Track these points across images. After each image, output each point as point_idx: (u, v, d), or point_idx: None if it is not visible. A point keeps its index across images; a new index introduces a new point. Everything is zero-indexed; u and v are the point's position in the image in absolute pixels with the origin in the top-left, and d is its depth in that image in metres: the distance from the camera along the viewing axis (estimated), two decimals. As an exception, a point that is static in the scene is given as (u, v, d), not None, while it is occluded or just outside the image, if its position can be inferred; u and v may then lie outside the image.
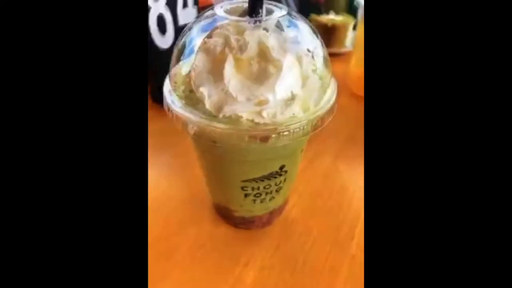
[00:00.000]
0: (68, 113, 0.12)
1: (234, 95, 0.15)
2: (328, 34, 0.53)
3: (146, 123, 0.14)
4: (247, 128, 0.16)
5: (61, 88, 0.12)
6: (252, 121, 0.16)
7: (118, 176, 0.12)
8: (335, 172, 0.33)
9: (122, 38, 0.12)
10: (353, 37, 0.53)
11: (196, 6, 0.41)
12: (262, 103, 0.15)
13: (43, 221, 0.11)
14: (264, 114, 0.16)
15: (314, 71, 0.18)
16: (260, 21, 0.17)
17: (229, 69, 0.16)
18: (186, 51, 0.19)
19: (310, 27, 0.19)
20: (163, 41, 0.38)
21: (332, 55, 0.66)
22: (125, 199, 0.12)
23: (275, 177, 0.20)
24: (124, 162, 0.12)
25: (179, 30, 0.40)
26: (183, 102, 0.17)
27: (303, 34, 0.18)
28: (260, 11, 0.17)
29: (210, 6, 0.56)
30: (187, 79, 0.18)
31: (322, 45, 0.19)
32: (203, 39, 0.17)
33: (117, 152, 0.12)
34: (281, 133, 0.16)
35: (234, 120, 0.16)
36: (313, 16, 0.55)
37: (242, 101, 0.15)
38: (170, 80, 0.19)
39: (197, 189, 0.29)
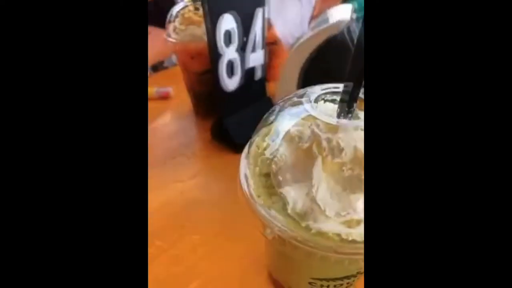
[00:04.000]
0: (71, 117, 0.11)
1: (322, 207, 0.14)
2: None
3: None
4: (333, 248, 0.14)
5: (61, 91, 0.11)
6: (339, 235, 0.14)
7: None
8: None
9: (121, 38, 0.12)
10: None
11: (264, 49, 0.41)
12: (353, 223, 0.14)
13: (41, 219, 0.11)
14: (354, 230, 0.14)
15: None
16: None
17: (317, 174, 0.14)
18: (272, 134, 0.18)
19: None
20: (230, 83, 0.39)
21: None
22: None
23: (349, 279, 0.18)
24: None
25: (247, 72, 0.40)
26: (261, 198, 0.16)
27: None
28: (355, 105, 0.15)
29: (273, 42, 0.56)
30: (267, 161, 0.17)
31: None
32: (289, 128, 0.16)
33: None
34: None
35: (318, 233, 0.14)
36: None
37: (330, 216, 0.14)
38: (247, 159, 0.18)
39: (255, 250, 0.28)
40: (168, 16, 0.43)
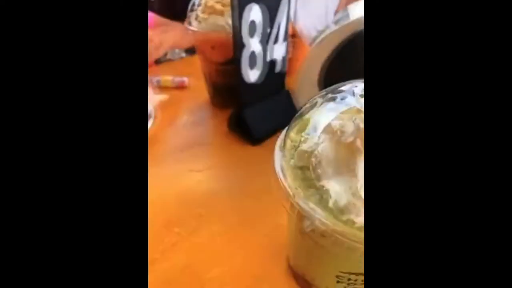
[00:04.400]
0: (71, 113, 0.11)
1: (367, 202, 0.14)
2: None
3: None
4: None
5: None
6: (381, 230, 0.14)
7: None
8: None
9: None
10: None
11: (286, 41, 0.41)
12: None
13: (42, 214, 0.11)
14: (396, 226, 0.14)
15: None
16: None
17: (361, 169, 0.14)
18: (309, 128, 0.18)
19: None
20: (252, 74, 0.38)
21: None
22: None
23: (379, 274, 0.18)
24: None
25: (267, 64, 0.40)
26: (299, 190, 0.16)
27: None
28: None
29: (293, 35, 0.55)
30: (305, 155, 0.17)
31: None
32: (330, 122, 0.16)
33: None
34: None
35: (361, 227, 0.14)
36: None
37: (375, 211, 0.14)
38: (282, 151, 0.18)
39: (274, 240, 0.28)
40: (190, 5, 0.43)
